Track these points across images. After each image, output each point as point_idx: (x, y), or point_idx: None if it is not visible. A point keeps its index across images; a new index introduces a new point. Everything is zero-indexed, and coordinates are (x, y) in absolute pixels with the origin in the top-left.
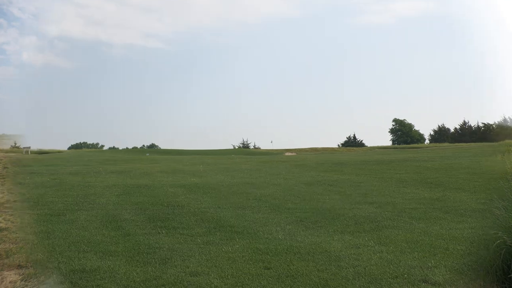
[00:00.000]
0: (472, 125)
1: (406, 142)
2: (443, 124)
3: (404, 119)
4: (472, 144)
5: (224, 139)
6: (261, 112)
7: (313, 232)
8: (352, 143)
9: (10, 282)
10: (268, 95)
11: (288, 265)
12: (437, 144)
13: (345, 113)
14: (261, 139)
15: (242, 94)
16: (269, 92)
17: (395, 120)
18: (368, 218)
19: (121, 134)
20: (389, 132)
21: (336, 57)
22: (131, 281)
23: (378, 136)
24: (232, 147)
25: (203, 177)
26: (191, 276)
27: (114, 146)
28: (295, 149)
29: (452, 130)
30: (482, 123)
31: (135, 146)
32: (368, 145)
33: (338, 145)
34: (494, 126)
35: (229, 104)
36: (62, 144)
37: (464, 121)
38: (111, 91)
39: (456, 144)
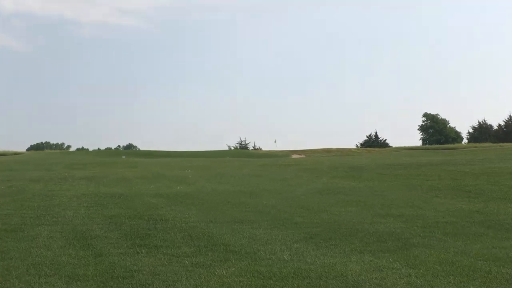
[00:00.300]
0: None
1: (439, 142)
2: (484, 120)
3: (437, 114)
4: None
5: (217, 139)
6: (263, 106)
7: (326, 251)
8: (373, 142)
9: None
10: (271, 85)
11: None
12: (477, 144)
13: (364, 107)
14: (262, 138)
15: (238, 84)
16: (273, 81)
17: (426, 115)
18: (393, 234)
19: (92, 132)
20: (418, 129)
21: (353, 42)
22: None
23: (405, 134)
24: (227, 148)
25: (192, 185)
26: None
27: (83, 147)
28: (303, 151)
29: (495, 127)
30: None
31: (108, 146)
32: (393, 145)
33: (356, 146)
34: None
35: (223, 95)
36: (19, 145)
37: (511, 116)
38: (79, 80)
39: (501, 144)
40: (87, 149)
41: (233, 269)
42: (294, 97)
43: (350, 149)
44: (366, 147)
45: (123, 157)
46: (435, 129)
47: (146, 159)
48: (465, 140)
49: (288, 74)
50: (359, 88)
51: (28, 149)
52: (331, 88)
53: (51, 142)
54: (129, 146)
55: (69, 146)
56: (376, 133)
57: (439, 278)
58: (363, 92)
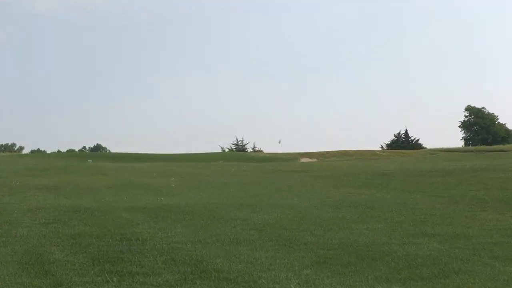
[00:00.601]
0: None
1: (485, 142)
2: None
3: (483, 108)
4: None
5: (208, 139)
6: (263, 99)
7: (344, 279)
8: (402, 143)
9: None
10: (274, 74)
11: None
12: None
13: (390, 100)
14: (263, 137)
15: (233, 73)
16: (276, 69)
17: (469, 109)
18: (428, 258)
19: (50, 130)
20: (460, 126)
21: (376, 25)
22: None
23: (442, 132)
24: (220, 150)
25: (176, 196)
26: None
27: (39, 149)
28: (315, 153)
29: None
30: None
31: (71, 148)
32: (428, 147)
33: (382, 147)
34: None
35: (214, 86)
36: None
37: None
38: (34, 68)
39: None
40: (44, 151)
41: None
42: (302, 87)
43: (373, 152)
44: (393, 149)
45: (90, 161)
46: (481, 126)
47: (119, 164)
48: None
49: (294, 60)
50: (383, 74)
51: None
52: (346, 77)
53: None
54: (97, 148)
55: (21, 148)
56: (406, 131)
57: None
58: (389, 80)
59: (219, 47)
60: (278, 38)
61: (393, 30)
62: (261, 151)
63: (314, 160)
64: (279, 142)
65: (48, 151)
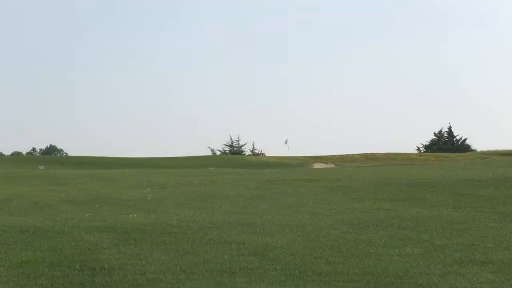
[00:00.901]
0: None
1: None
2: None
3: None
4: None
5: (194, 138)
6: (265, 89)
7: None
8: (445, 144)
9: None
10: (280, 58)
11: None
12: None
13: (429, 89)
14: (266, 136)
15: (225, 57)
16: (283, 51)
17: None
18: None
19: None
20: None
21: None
22: None
23: (497, 131)
24: (210, 153)
25: (154, 212)
26: None
27: None
28: (332, 157)
29: None
30: None
31: (16, 151)
32: (478, 149)
33: (418, 149)
34: None
35: (200, 70)
36: None
37: None
38: None
39: None
40: None
41: None
42: (315, 72)
43: (407, 155)
44: (433, 152)
45: (41, 167)
46: None
47: (79, 171)
48: None
49: (307, 35)
50: (419, 55)
51: None
52: (370, 57)
53: None
54: (51, 150)
55: None
56: (449, 128)
57: None
58: (427, 63)
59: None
60: None
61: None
62: (263, 154)
63: (330, 165)
64: (286, 142)
65: None
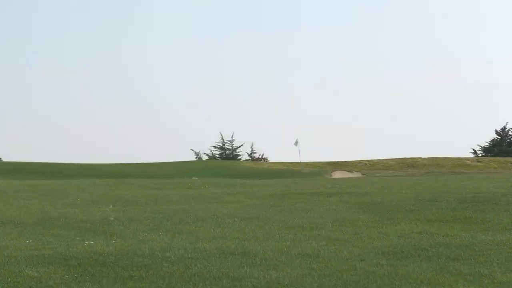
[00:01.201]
0: None
1: None
2: None
3: None
4: None
5: (171, 138)
6: (268, 75)
7: None
8: (509, 146)
9: None
10: (287, 37)
11: None
12: None
13: (486, 77)
14: (268, 136)
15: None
16: (291, 29)
17: None
18: None
19: None
20: None
21: None
22: None
23: None
24: (194, 157)
25: (117, 238)
26: None
27: None
28: (357, 163)
29: None
30: None
31: None
32: None
33: (474, 152)
34: None
35: (180, 50)
36: None
37: None
38: None
39: None
40: None
41: None
42: (335, 53)
43: (460, 160)
44: (493, 156)
45: None
46: None
47: (16, 182)
48: None
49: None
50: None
51: None
52: (408, 41)
53: None
54: None
55: None
56: None
57: None
58: (482, 46)
59: None
60: None
61: None
62: (265, 159)
63: (355, 174)
64: (296, 143)
65: None
